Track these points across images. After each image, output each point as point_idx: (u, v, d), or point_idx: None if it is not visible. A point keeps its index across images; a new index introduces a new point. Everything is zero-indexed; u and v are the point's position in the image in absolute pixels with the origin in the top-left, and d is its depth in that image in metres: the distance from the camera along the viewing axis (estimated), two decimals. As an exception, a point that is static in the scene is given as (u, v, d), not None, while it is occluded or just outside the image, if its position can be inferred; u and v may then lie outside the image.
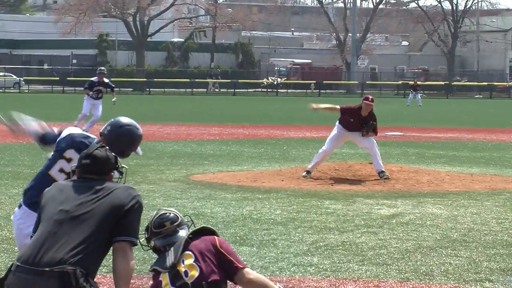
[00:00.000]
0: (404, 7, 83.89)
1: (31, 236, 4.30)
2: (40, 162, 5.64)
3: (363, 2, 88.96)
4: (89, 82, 21.41)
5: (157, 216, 4.62)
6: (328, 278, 6.99)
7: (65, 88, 61.79)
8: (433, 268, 7.40)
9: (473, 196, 11.76)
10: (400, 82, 70.06)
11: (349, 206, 10.73)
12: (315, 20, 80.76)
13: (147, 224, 4.63)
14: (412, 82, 53.28)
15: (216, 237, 4.56)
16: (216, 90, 71.82)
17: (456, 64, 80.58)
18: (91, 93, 20.66)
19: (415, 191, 12.19)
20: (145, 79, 67.95)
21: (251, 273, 4.54)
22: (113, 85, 22.37)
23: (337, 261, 7.57)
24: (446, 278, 7.06)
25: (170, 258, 4.48)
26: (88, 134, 5.31)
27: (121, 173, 4.46)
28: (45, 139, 5.34)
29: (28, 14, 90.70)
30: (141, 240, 4.48)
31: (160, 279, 4.46)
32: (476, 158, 17.89)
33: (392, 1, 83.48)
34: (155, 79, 66.95)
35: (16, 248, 7.67)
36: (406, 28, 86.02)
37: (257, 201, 10.97)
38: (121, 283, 4.14)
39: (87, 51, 75.11)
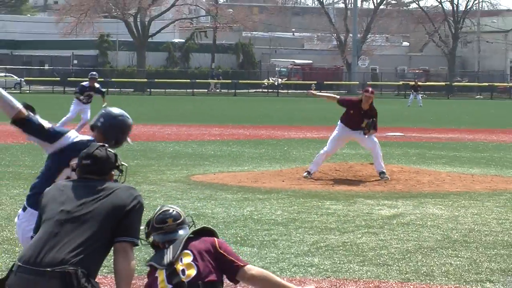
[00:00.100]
0: (404, 8, 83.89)
1: (32, 237, 4.30)
2: (41, 163, 5.61)
3: (364, 2, 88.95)
4: (80, 87, 21.41)
5: (160, 211, 4.61)
6: (329, 278, 6.99)
7: (66, 89, 61.80)
8: (434, 268, 7.40)
9: (474, 197, 11.76)
10: (400, 83, 70.05)
11: (350, 207, 10.73)
12: (316, 20, 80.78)
13: (149, 218, 4.61)
14: (413, 83, 53.29)
15: (216, 239, 4.56)
16: (217, 90, 71.83)
17: (456, 65, 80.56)
18: (82, 97, 20.66)
19: (415, 192, 12.19)
20: (146, 80, 67.96)
21: (253, 269, 4.55)
22: (104, 90, 22.31)
23: (338, 262, 7.57)
24: (446, 278, 7.06)
25: (168, 256, 4.47)
26: (90, 137, 5.29)
27: (121, 171, 4.46)
28: (32, 127, 5.06)
29: (29, 15, 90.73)
30: (140, 234, 4.48)
31: (156, 275, 4.44)
32: (477, 159, 17.89)
33: (393, 2, 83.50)
34: (156, 80, 66.96)
35: (17, 248, 7.68)
36: (406, 29, 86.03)
37: (258, 202, 10.97)
38: (122, 283, 4.15)
39: (88, 52, 75.13)
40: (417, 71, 78.73)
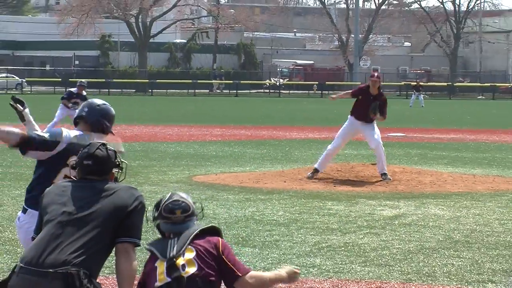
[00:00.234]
0: (406, 8, 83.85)
1: (33, 237, 4.30)
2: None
3: (366, 3, 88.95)
4: (68, 93, 21.52)
5: (170, 200, 4.52)
6: (331, 279, 6.99)
7: (67, 90, 61.78)
8: (436, 269, 7.39)
9: (476, 197, 11.75)
10: (402, 83, 70.03)
11: (352, 207, 10.72)
12: (318, 21, 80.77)
13: (159, 200, 4.54)
14: (415, 83, 53.25)
15: (220, 240, 4.55)
16: (218, 91, 71.83)
17: (458, 65, 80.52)
18: (70, 105, 20.68)
19: (417, 192, 12.18)
20: (147, 80, 67.98)
21: (252, 277, 4.54)
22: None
23: (340, 262, 7.57)
24: (448, 279, 7.06)
25: (172, 249, 4.44)
26: (84, 133, 5.28)
27: (121, 168, 4.44)
28: (45, 144, 5.10)
29: (30, 15, 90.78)
30: (148, 215, 4.45)
31: (155, 265, 4.41)
32: (479, 159, 17.88)
33: (395, 2, 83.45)
34: (157, 80, 66.98)
35: (19, 249, 7.68)
36: (408, 29, 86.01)
37: (260, 202, 10.96)
38: (124, 284, 4.15)
39: (89, 52, 75.15)
40: (418, 71, 78.70)
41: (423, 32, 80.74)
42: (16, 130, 5.15)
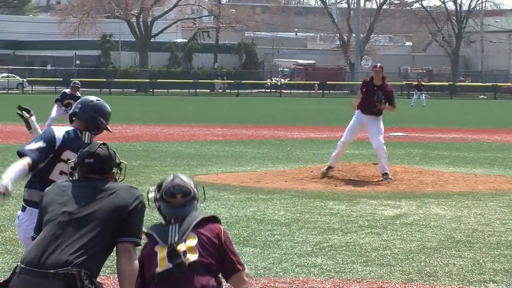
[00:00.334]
0: (407, 8, 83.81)
1: (33, 237, 4.29)
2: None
3: (367, 2, 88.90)
4: (62, 93, 21.52)
5: (172, 183, 4.48)
6: (332, 279, 6.98)
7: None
8: (437, 269, 7.38)
9: (477, 197, 11.74)
10: (404, 83, 70.00)
11: (353, 207, 10.71)
12: (319, 20, 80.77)
13: (160, 182, 4.50)
14: (416, 82, 53.21)
15: (222, 229, 4.53)
16: (220, 90, 71.82)
17: (460, 65, 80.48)
18: (63, 108, 20.66)
19: (419, 192, 12.17)
20: (148, 80, 67.99)
21: (247, 275, 4.52)
22: None
23: (341, 262, 7.56)
24: (450, 279, 7.04)
25: (174, 235, 4.40)
26: (69, 128, 5.26)
27: (120, 169, 4.43)
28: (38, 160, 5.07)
29: (31, 15, 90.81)
30: (149, 196, 4.42)
31: (155, 249, 4.39)
32: (480, 159, 17.87)
33: (396, 2, 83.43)
34: (158, 80, 66.98)
35: (20, 249, 7.67)
36: (410, 29, 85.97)
37: (261, 202, 10.96)
38: (126, 283, 4.14)
39: (90, 52, 75.17)
40: (420, 71, 78.66)
41: (425, 31, 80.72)
42: (18, 170, 5.06)
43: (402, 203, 11.09)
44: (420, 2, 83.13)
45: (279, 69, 77.37)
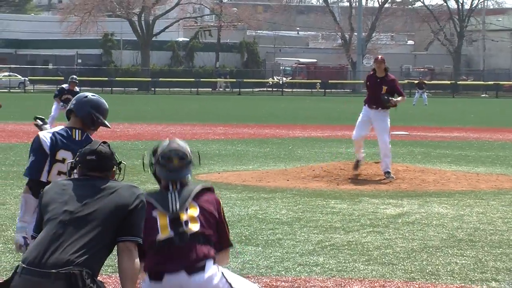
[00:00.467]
0: (409, 6, 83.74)
1: (32, 236, 4.28)
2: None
3: (369, 1, 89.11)
4: (60, 89, 21.49)
5: (168, 148, 4.49)
6: (334, 278, 6.97)
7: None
8: (439, 267, 7.38)
9: (479, 196, 11.73)
10: (406, 81, 69.98)
11: (355, 206, 10.71)
12: (321, 19, 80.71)
13: (156, 146, 4.50)
14: (418, 80, 53.15)
15: (220, 202, 4.54)
16: (221, 89, 71.80)
17: (462, 63, 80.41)
18: (61, 103, 20.63)
19: (421, 191, 12.16)
20: (150, 79, 67.99)
21: (229, 253, 4.58)
22: None
23: (343, 261, 7.55)
24: (452, 277, 7.04)
25: (174, 203, 4.40)
26: (58, 128, 5.25)
27: (119, 168, 4.43)
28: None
29: (33, 14, 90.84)
30: (145, 161, 4.42)
31: (154, 215, 4.38)
32: (482, 158, 17.85)
33: (398, 0, 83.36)
34: (160, 79, 66.98)
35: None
36: (411, 27, 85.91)
37: (263, 201, 10.95)
38: (127, 282, 4.14)
39: (92, 51, 75.18)
40: (422, 69, 78.59)
41: (427, 30, 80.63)
42: (22, 211, 5.14)
43: (404, 202, 11.07)
44: (422, 0, 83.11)
45: (281, 67, 77.35)
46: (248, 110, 39.88)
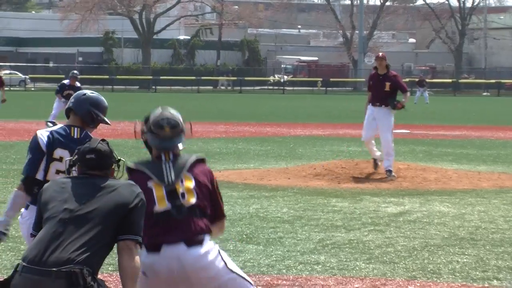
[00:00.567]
0: (411, 4, 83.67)
1: (32, 234, 4.27)
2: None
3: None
4: (61, 85, 21.37)
5: (160, 116, 4.48)
6: (335, 276, 6.96)
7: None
8: (441, 266, 7.36)
9: (481, 194, 11.71)
10: (407, 80, 69.89)
11: (356, 204, 10.69)
12: (322, 17, 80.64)
13: (148, 115, 4.48)
14: (418, 78, 53.11)
15: (212, 173, 4.53)
16: (223, 87, 71.79)
17: (463, 62, 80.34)
18: (62, 99, 20.57)
19: (422, 189, 12.15)
20: (151, 77, 67.98)
21: (225, 223, 4.57)
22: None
23: (344, 259, 7.54)
24: (453, 276, 7.02)
25: (170, 174, 4.38)
26: (56, 127, 5.23)
27: (119, 166, 4.41)
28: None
29: (33, 12, 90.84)
30: (136, 130, 4.41)
31: (149, 186, 4.36)
32: (484, 156, 17.83)
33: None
34: (161, 77, 66.97)
35: (22, 246, 7.66)
36: (413, 25, 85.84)
37: (264, 199, 10.94)
38: (128, 281, 4.13)
39: (93, 49, 75.17)
40: (423, 68, 78.54)
41: (428, 28, 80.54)
42: (9, 204, 5.18)
43: (405, 200, 11.06)
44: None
45: (282, 66, 77.32)
46: (249, 109, 39.87)
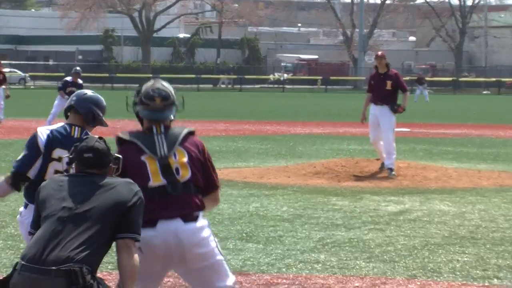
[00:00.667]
0: (411, 2, 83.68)
1: (30, 232, 4.25)
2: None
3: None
4: (63, 82, 21.28)
5: (151, 87, 4.47)
6: (335, 275, 6.95)
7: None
8: (441, 265, 7.35)
9: (481, 193, 11.70)
10: (407, 78, 69.84)
11: (356, 203, 10.68)
12: (322, 15, 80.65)
13: (140, 86, 4.46)
14: (417, 76, 53.08)
15: (203, 144, 4.51)
16: (223, 85, 71.77)
17: (463, 60, 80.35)
18: (66, 96, 20.48)
19: (422, 188, 12.13)
20: (151, 75, 67.95)
21: (219, 194, 4.56)
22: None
23: (344, 258, 7.52)
24: (453, 275, 7.01)
25: (162, 147, 4.36)
26: (57, 126, 5.20)
27: (116, 163, 4.39)
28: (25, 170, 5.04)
29: (33, 10, 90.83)
30: (129, 102, 4.38)
31: (142, 159, 4.33)
32: (484, 155, 17.82)
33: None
34: (161, 75, 66.93)
35: (21, 245, 7.65)
36: (413, 24, 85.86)
37: (264, 198, 10.92)
38: (127, 279, 4.13)
39: (92, 47, 75.17)
40: (423, 66, 78.54)
41: (428, 26, 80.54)
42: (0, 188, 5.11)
43: (405, 199, 11.05)
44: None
45: (282, 64, 77.32)
46: (249, 107, 39.86)
